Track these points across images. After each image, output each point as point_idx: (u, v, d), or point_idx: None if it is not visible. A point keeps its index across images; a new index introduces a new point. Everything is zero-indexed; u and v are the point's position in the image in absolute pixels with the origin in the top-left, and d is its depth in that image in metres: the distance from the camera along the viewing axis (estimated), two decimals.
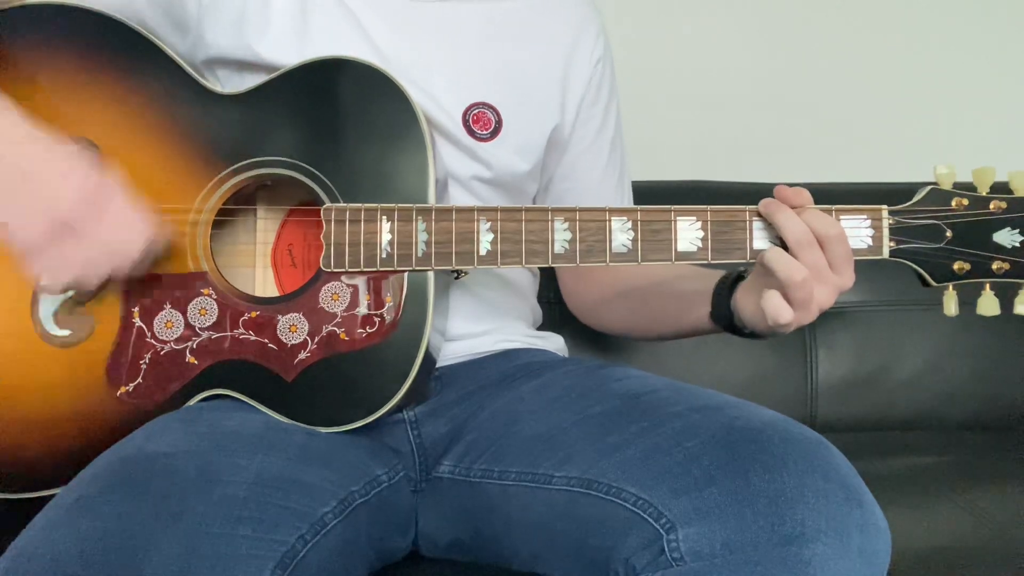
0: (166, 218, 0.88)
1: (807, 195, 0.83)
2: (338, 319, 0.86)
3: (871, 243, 0.84)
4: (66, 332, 0.88)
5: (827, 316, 1.41)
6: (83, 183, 0.80)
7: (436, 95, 0.95)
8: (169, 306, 0.88)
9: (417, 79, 0.91)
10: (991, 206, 0.84)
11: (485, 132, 0.97)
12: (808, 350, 1.41)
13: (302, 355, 0.86)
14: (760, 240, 0.84)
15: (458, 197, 0.98)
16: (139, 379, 0.87)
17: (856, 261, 0.84)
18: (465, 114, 0.97)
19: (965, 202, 0.84)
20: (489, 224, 0.86)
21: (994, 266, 0.84)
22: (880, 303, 1.42)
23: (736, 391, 0.85)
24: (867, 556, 0.69)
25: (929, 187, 0.85)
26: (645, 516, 0.72)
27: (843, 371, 1.42)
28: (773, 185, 0.86)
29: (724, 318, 0.91)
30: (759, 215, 0.84)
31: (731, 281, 0.91)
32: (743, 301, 0.87)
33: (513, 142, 0.99)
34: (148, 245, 0.83)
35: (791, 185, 0.84)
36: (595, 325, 1.15)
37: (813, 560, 0.67)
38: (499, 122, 0.98)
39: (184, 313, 0.88)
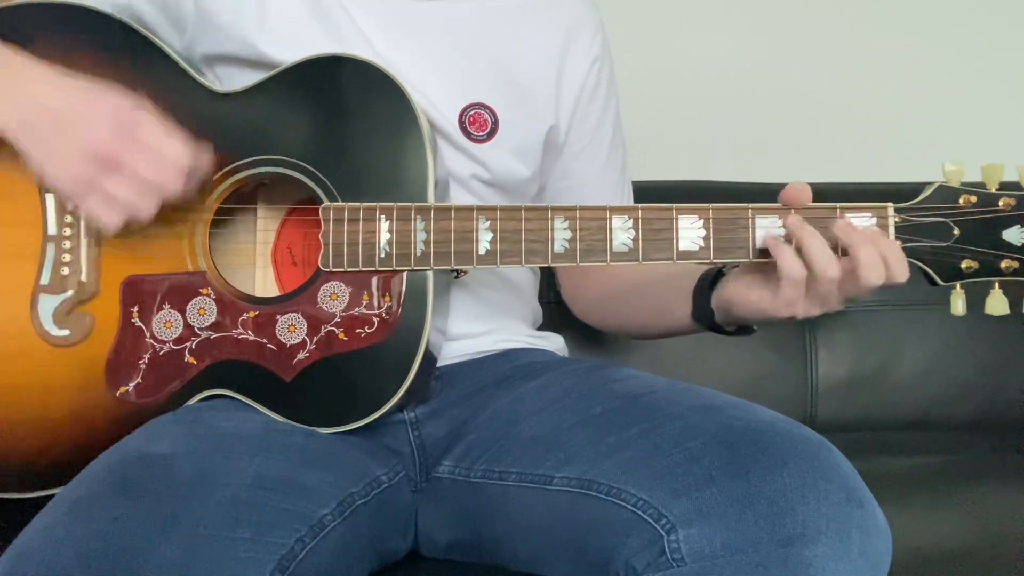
0: (164, 217, 0.88)
1: (808, 191, 0.83)
2: (337, 319, 0.86)
3: None
4: (65, 332, 0.88)
5: (827, 316, 1.41)
6: (113, 113, 0.80)
7: (432, 96, 0.95)
8: (168, 306, 0.87)
9: (413, 79, 0.91)
10: (1000, 203, 0.82)
11: (481, 134, 0.97)
12: (808, 350, 1.41)
13: (301, 355, 0.86)
14: (763, 240, 0.84)
15: (458, 197, 0.98)
16: (138, 379, 0.87)
17: None
18: (461, 115, 0.97)
19: (973, 199, 0.82)
20: (488, 223, 0.85)
21: (1003, 265, 0.83)
22: (880, 303, 1.42)
23: (736, 391, 0.85)
24: (868, 557, 0.69)
25: (936, 184, 0.83)
26: (645, 517, 0.72)
27: (843, 371, 1.41)
28: (775, 185, 0.85)
29: (705, 318, 0.91)
30: (776, 215, 0.83)
31: (711, 279, 0.91)
32: (734, 292, 0.86)
33: (510, 143, 0.99)
34: (193, 157, 0.83)
35: None
36: (593, 323, 1.14)
37: (814, 561, 0.66)
38: (495, 123, 0.98)
39: (183, 313, 0.87)
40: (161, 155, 0.81)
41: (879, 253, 0.80)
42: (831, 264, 0.80)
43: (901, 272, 0.81)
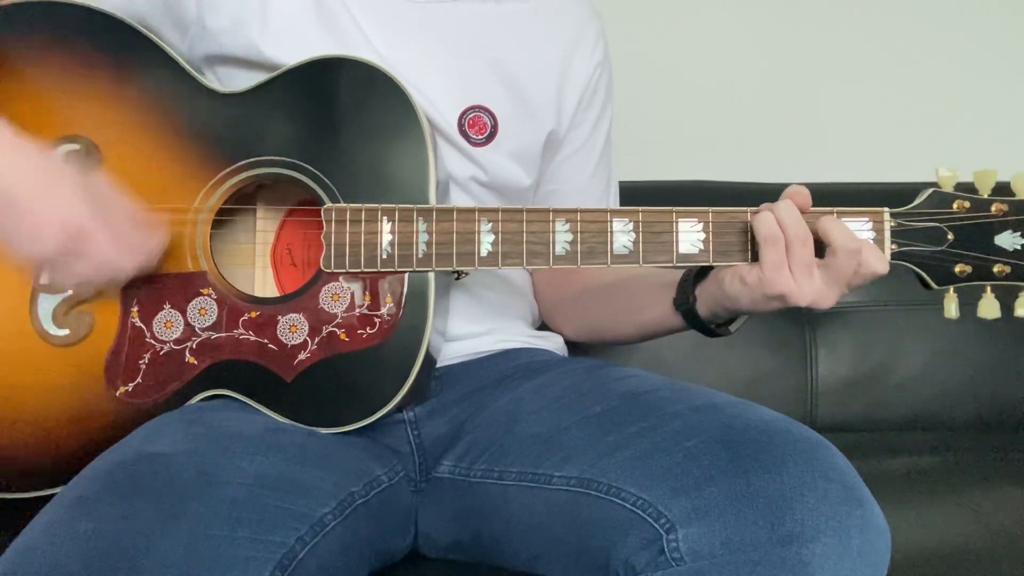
0: (166, 217, 0.88)
1: (808, 195, 0.83)
2: (338, 319, 0.86)
3: None
4: (65, 332, 0.88)
5: (827, 316, 1.42)
6: (60, 228, 0.77)
7: (432, 97, 0.95)
8: (169, 306, 0.88)
9: (414, 81, 0.91)
10: (992, 209, 0.84)
11: (480, 137, 0.97)
12: (808, 350, 1.41)
13: (302, 355, 0.86)
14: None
15: (457, 199, 0.98)
16: (138, 379, 0.87)
17: None
18: (461, 118, 0.97)
19: (967, 204, 0.84)
20: (490, 225, 0.86)
21: (995, 269, 0.84)
22: (880, 303, 1.42)
23: (736, 391, 0.85)
24: (867, 556, 0.69)
25: (931, 189, 0.85)
26: (645, 516, 0.72)
27: (843, 371, 1.42)
28: (774, 185, 0.86)
29: (686, 304, 0.91)
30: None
31: (696, 271, 0.91)
32: (724, 271, 0.86)
33: (509, 147, 0.99)
34: (146, 259, 0.83)
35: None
36: (558, 327, 1.12)
37: (813, 560, 0.67)
38: (495, 126, 0.98)
39: (184, 313, 0.87)
40: (107, 266, 0.80)
41: (853, 235, 0.82)
42: (800, 223, 0.81)
43: (876, 257, 0.82)
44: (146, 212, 0.84)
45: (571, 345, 1.12)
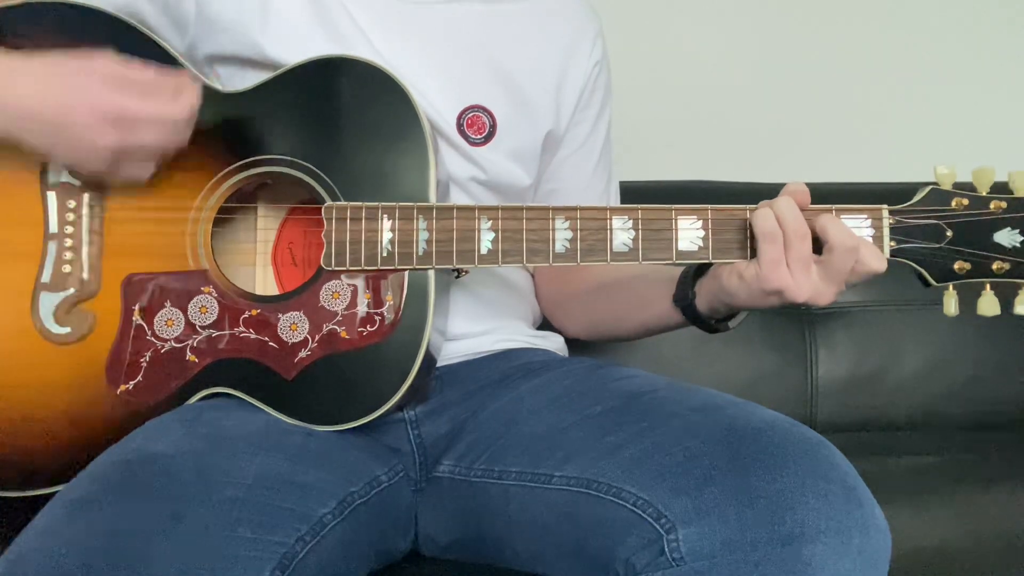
0: (166, 216, 0.88)
1: (807, 192, 0.83)
2: (339, 318, 0.86)
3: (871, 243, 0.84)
4: (66, 330, 0.88)
5: (827, 316, 1.42)
6: (96, 108, 0.80)
7: (431, 97, 0.95)
8: (169, 304, 0.88)
9: (412, 80, 0.91)
10: (991, 206, 0.84)
11: (479, 136, 0.97)
12: (808, 350, 1.41)
13: (302, 354, 0.86)
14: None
15: (457, 199, 0.98)
16: (139, 377, 0.87)
17: None
18: (460, 117, 0.97)
19: (965, 202, 0.84)
20: (490, 223, 0.86)
21: (994, 266, 0.84)
22: (880, 303, 1.42)
23: (736, 391, 0.85)
24: (867, 556, 0.69)
25: (929, 187, 0.85)
26: (645, 516, 0.72)
27: (843, 371, 1.42)
28: (773, 185, 0.86)
29: (685, 300, 0.91)
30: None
31: (696, 268, 0.91)
32: (722, 267, 0.86)
33: (507, 146, 0.99)
34: (184, 106, 0.84)
35: None
36: (560, 324, 1.13)
37: (813, 560, 0.67)
38: (493, 126, 0.98)
39: (184, 311, 0.87)
40: (161, 121, 0.83)
41: (851, 233, 0.81)
42: (798, 219, 0.81)
43: (874, 256, 0.82)
44: (153, 70, 0.84)
45: (571, 345, 1.12)
